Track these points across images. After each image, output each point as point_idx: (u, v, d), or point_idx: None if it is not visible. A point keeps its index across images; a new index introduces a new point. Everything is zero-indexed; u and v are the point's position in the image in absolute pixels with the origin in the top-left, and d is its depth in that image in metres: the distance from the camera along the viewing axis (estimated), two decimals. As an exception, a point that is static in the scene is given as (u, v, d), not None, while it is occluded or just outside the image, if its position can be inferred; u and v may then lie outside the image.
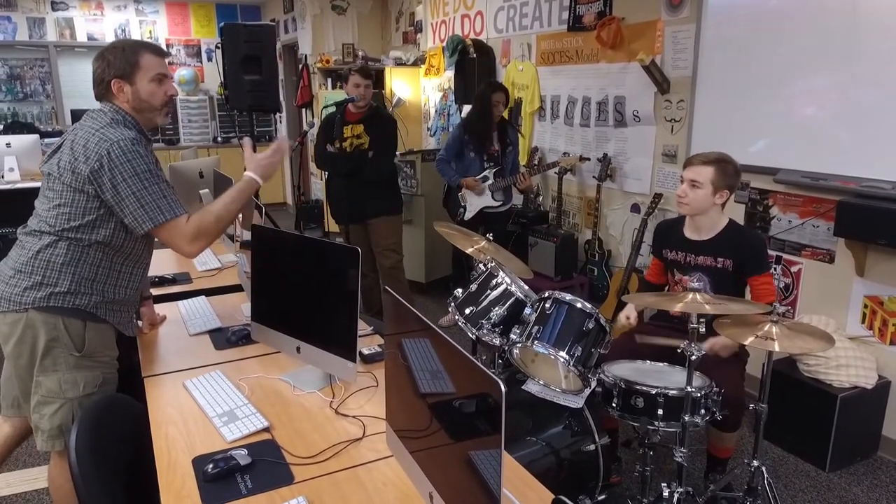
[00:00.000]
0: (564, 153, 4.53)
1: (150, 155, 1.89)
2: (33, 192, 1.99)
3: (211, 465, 1.48)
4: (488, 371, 1.02)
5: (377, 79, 6.14)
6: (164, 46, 8.60)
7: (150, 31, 8.63)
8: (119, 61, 1.90)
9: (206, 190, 3.62)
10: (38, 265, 1.84)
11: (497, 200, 4.26)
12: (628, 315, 2.56)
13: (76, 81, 8.45)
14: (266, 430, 1.68)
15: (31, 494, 2.66)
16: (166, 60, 2.02)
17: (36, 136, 5.34)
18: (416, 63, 6.52)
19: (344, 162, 3.83)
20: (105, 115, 1.91)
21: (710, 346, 2.33)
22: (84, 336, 1.87)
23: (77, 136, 1.85)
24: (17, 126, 7.77)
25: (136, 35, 8.53)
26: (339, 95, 5.95)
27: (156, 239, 1.95)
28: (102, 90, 1.93)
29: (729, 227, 2.47)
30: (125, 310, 2.02)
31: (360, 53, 6.92)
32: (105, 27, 8.40)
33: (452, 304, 2.43)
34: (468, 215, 4.28)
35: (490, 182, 4.22)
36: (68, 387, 1.86)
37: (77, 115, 7.43)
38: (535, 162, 4.84)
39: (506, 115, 4.36)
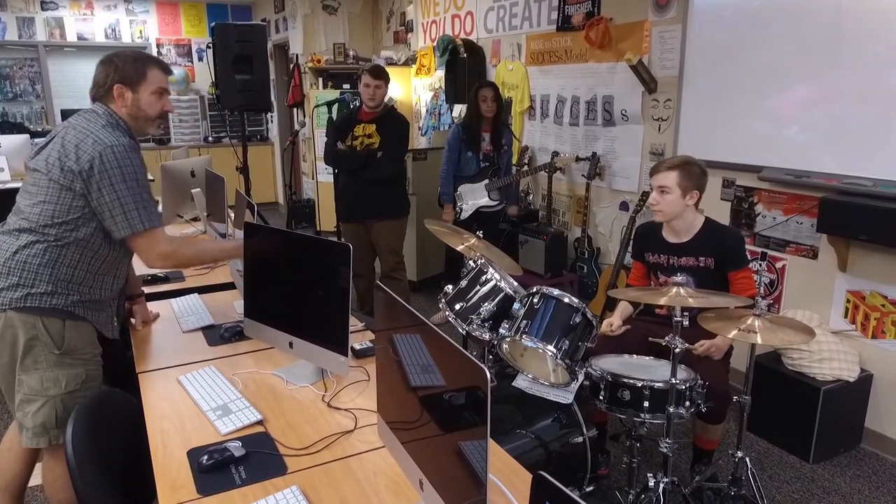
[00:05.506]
0: (555, 152, 4.57)
1: (141, 164, 1.91)
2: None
3: (206, 457, 1.51)
4: (474, 359, 1.06)
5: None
6: (154, 46, 8.65)
7: (141, 31, 8.61)
8: (127, 68, 1.94)
9: (198, 189, 3.64)
10: (14, 266, 1.85)
11: (494, 200, 4.32)
12: (612, 323, 2.58)
13: (66, 81, 8.43)
14: (260, 423, 1.71)
15: (27, 490, 2.67)
16: (168, 77, 2.08)
17: (26, 136, 5.34)
18: (407, 63, 6.56)
19: (352, 159, 3.86)
20: (99, 116, 1.92)
21: (706, 349, 2.37)
22: (63, 335, 1.88)
23: (68, 134, 1.86)
24: (6, 126, 7.74)
25: (126, 35, 8.52)
26: (331, 95, 5.99)
27: None
28: (102, 92, 1.95)
29: (706, 225, 2.52)
30: (104, 309, 2.02)
31: (351, 53, 6.94)
32: (95, 27, 8.38)
33: (443, 299, 2.47)
34: (465, 215, 4.33)
35: (486, 182, 4.28)
36: (50, 384, 1.87)
37: (67, 115, 7.38)
38: (526, 161, 4.89)
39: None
